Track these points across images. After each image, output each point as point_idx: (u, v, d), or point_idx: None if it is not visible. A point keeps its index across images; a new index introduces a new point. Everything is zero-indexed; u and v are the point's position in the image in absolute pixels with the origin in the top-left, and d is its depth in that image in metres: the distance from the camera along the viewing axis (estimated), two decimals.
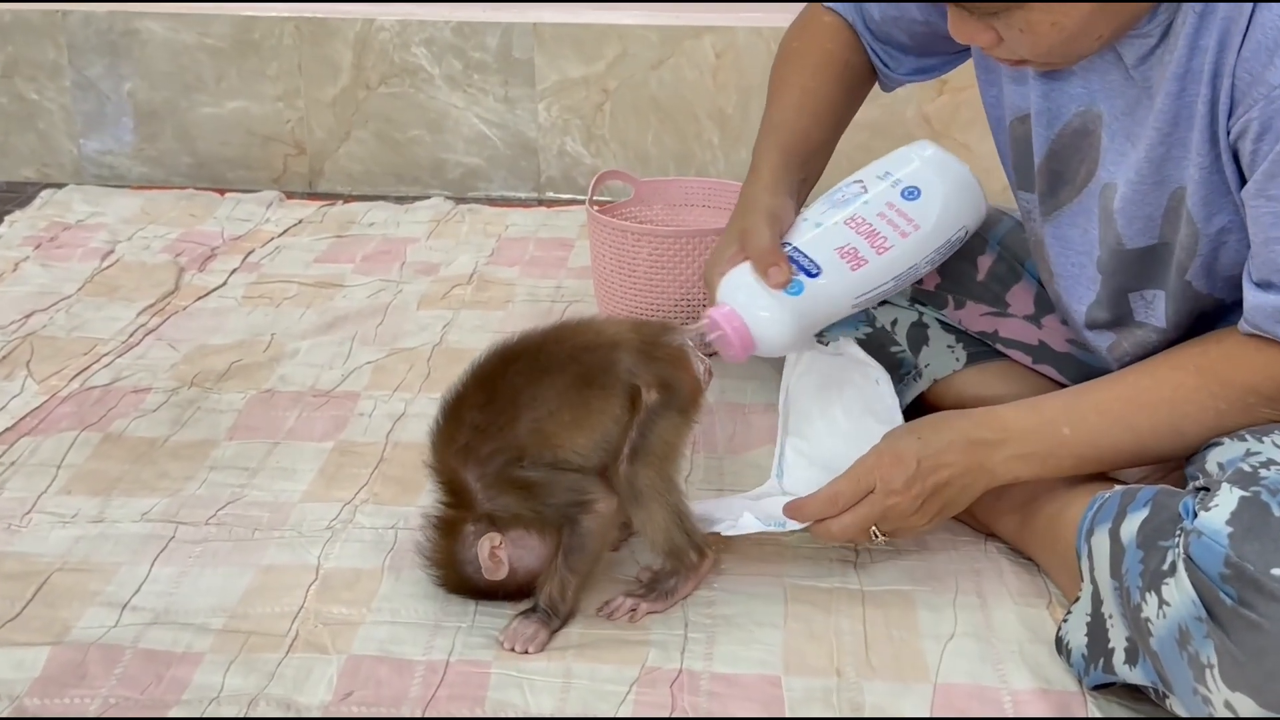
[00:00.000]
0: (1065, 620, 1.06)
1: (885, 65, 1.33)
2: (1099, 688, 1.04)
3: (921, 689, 1.05)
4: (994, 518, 1.23)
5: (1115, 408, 1.09)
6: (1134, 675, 0.98)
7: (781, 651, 1.09)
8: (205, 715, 1.02)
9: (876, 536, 1.12)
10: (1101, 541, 1.02)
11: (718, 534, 1.15)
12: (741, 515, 1.16)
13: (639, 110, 2.25)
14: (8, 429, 1.45)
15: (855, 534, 1.12)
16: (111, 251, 1.96)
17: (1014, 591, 1.17)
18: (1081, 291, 1.17)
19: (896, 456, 1.10)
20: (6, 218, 2.09)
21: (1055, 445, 1.10)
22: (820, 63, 1.32)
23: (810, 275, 1.16)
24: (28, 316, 1.73)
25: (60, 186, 2.25)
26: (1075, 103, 1.11)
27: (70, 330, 1.70)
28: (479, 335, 1.68)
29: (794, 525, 1.13)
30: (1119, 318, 1.16)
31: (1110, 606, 1.01)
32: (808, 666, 1.08)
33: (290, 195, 2.26)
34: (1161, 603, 0.93)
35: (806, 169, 1.29)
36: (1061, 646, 1.07)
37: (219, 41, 2.28)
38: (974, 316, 1.35)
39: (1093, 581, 1.03)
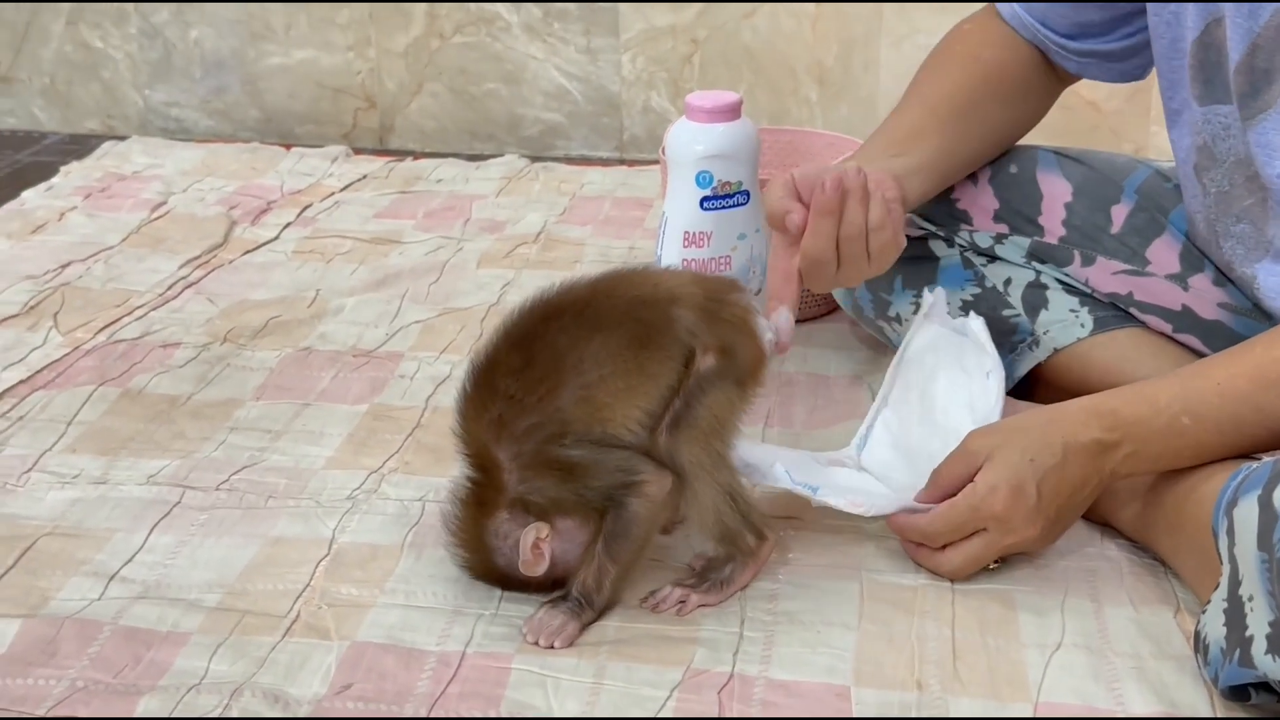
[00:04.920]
0: (1204, 611, 0.89)
1: (1053, 34, 1.20)
2: (1232, 692, 0.87)
3: (1018, 708, 0.89)
4: (1112, 507, 1.06)
5: (1239, 386, 0.95)
6: (1278, 668, 0.81)
7: (853, 658, 0.93)
8: (175, 716, 0.88)
9: (991, 565, 1.01)
10: (1248, 511, 0.85)
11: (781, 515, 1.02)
12: (773, 465, 1.00)
13: (730, 63, 2.10)
14: (21, 381, 1.34)
15: (970, 573, 1.00)
16: (164, 203, 1.85)
17: (1134, 596, 1.00)
18: None
19: (1014, 490, 0.95)
20: (62, 168, 2.00)
21: (1173, 437, 0.96)
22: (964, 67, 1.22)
23: None
24: (64, 266, 1.63)
25: (124, 139, 2.15)
26: None
27: (106, 282, 1.59)
28: None
29: (828, 497, 1.00)
30: None
31: (1251, 586, 0.84)
32: (883, 677, 0.92)
33: (358, 151, 2.13)
34: None
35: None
36: (1199, 644, 0.89)
37: None
38: (1105, 276, 1.20)
39: (1231, 560, 0.87)
